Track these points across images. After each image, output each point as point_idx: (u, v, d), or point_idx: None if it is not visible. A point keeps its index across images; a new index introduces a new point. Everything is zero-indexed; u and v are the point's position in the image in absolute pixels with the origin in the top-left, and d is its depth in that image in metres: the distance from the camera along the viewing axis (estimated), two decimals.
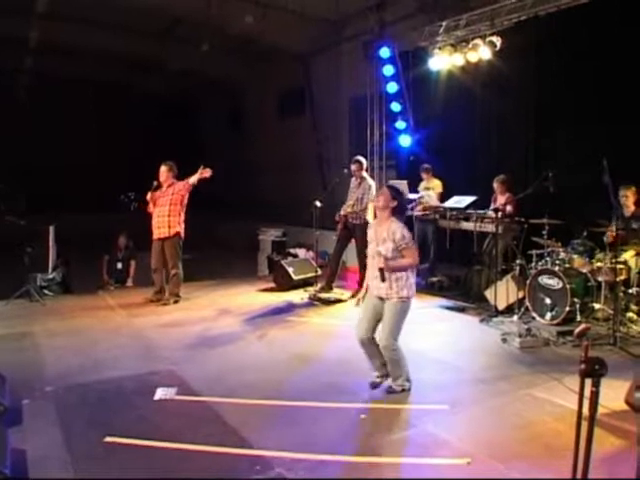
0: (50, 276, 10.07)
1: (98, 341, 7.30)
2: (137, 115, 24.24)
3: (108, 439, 4.47)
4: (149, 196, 9.29)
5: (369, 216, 9.67)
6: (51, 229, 10.13)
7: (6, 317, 8.46)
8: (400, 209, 5.37)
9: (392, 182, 11.29)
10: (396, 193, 5.36)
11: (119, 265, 11.34)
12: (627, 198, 7.64)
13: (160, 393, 5.44)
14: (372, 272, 5.36)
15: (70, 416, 4.97)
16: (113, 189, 21.56)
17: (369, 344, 5.49)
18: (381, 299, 5.34)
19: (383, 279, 5.10)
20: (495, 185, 9.25)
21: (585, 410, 2.52)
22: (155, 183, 9.30)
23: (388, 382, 5.50)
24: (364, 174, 9.75)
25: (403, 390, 5.39)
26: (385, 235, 5.21)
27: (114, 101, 23.59)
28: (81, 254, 11.65)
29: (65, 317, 8.52)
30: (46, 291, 9.89)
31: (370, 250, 5.40)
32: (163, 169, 9.31)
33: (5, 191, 20.64)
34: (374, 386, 5.52)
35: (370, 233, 5.47)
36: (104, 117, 23.60)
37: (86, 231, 12.15)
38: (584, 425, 2.51)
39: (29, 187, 20.99)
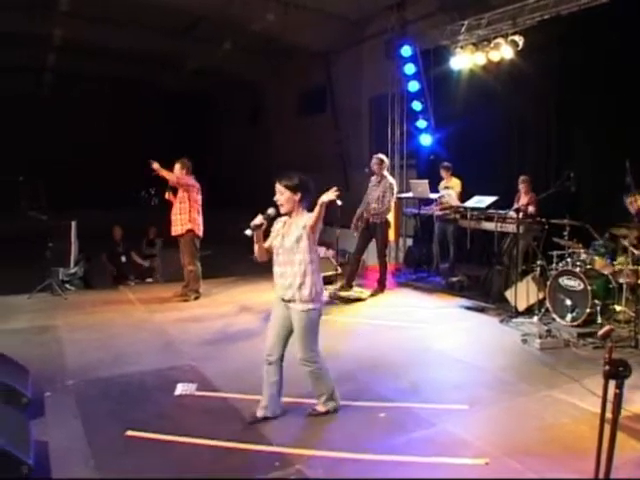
0: (72, 271, 10.18)
1: (119, 336, 7.38)
2: (158, 113, 24.36)
3: (129, 433, 4.52)
4: (167, 195, 9.38)
5: (390, 215, 9.66)
6: (73, 224, 10.23)
7: (29, 310, 8.59)
8: (306, 195, 4.75)
9: (413, 181, 11.33)
10: (293, 183, 4.67)
11: (123, 259, 11.39)
12: (631, 204, 7.51)
13: (180, 388, 5.49)
14: (278, 271, 4.81)
15: (91, 409, 5.03)
16: (133, 185, 21.69)
17: (274, 364, 4.81)
18: (287, 305, 4.75)
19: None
20: (520, 184, 9.20)
21: (607, 412, 2.51)
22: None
23: (317, 402, 4.95)
24: (385, 172, 9.73)
25: (327, 412, 4.88)
26: (293, 227, 4.71)
27: (134, 99, 23.71)
28: (100, 250, 11.74)
29: (86, 311, 8.62)
30: (68, 285, 10.01)
31: (276, 246, 4.78)
32: (177, 166, 9.37)
33: (26, 186, 20.90)
34: (252, 421, 4.76)
35: (277, 227, 4.84)
36: (125, 114, 23.72)
37: (105, 227, 12.22)
38: (606, 427, 2.51)
39: (50, 183, 21.20)
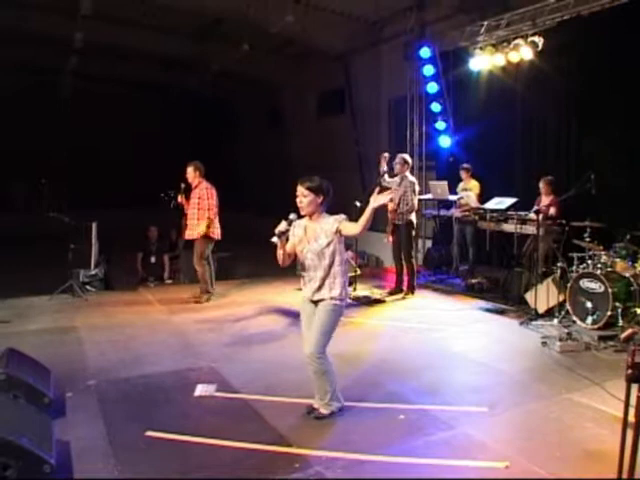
0: (92, 272, 10.22)
1: (139, 337, 7.44)
2: (176, 114, 24.49)
3: (149, 433, 4.56)
4: (180, 199, 9.38)
5: (413, 215, 9.63)
6: (93, 226, 10.31)
7: (50, 311, 8.68)
8: (328, 197, 4.77)
9: (432, 183, 11.30)
10: (316, 185, 4.69)
11: (152, 259, 11.38)
12: None
13: (200, 389, 5.52)
14: (307, 275, 4.85)
15: (111, 410, 5.07)
16: (153, 186, 21.82)
17: None
18: (314, 303, 4.83)
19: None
20: (541, 185, 9.13)
21: (629, 417, 2.49)
22: (183, 185, 9.40)
23: (314, 404, 4.94)
24: (407, 173, 9.69)
25: (332, 413, 4.83)
26: (319, 230, 4.71)
27: (154, 101, 23.87)
28: (121, 251, 11.79)
29: (107, 312, 8.69)
30: (88, 287, 10.05)
31: (303, 251, 4.80)
32: (189, 170, 9.37)
33: (48, 188, 21.14)
34: (309, 411, 4.93)
35: (298, 232, 4.84)
36: (145, 116, 23.86)
37: (125, 228, 12.31)
38: (628, 431, 2.49)
39: (71, 184, 21.40)
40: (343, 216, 4.73)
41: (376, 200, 4.44)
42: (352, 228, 4.64)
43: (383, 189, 4.70)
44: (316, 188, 4.69)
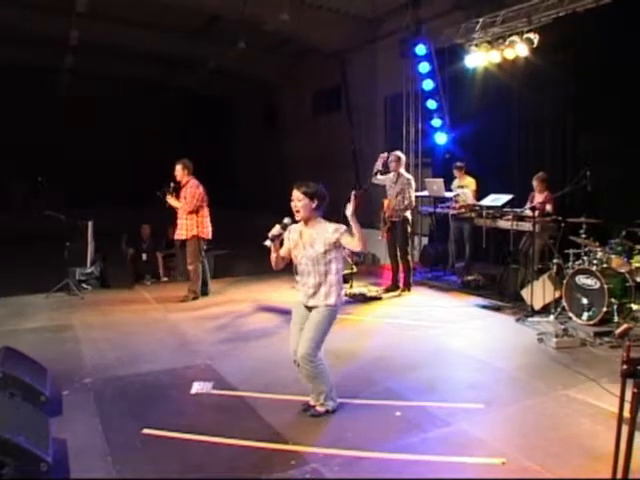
0: (88, 270, 10.20)
1: (135, 335, 7.44)
2: (173, 112, 24.41)
3: (145, 431, 4.56)
4: (169, 198, 9.31)
5: (408, 212, 9.63)
6: (90, 224, 10.30)
7: (46, 310, 8.68)
8: (323, 202, 4.81)
9: (428, 180, 11.30)
10: (311, 190, 4.74)
11: (144, 257, 11.34)
12: None
13: (196, 387, 5.52)
14: (301, 280, 4.89)
15: (108, 408, 5.07)
16: (150, 185, 21.78)
17: None
18: (309, 309, 4.85)
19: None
20: (535, 183, 9.12)
21: (624, 412, 2.49)
22: (172, 184, 9.35)
23: (310, 401, 4.99)
24: (401, 170, 9.70)
25: (327, 412, 4.87)
26: (315, 236, 4.76)
27: (151, 99, 23.78)
28: (116, 249, 11.77)
29: (103, 311, 8.68)
30: (84, 285, 10.04)
31: (297, 256, 4.86)
32: (178, 168, 9.33)
33: (45, 186, 21.09)
34: (305, 409, 4.97)
35: (294, 237, 4.88)
36: (140, 114, 23.78)
37: (124, 226, 12.27)
38: (624, 427, 2.49)
39: (68, 183, 21.36)
40: (344, 227, 4.75)
41: (347, 209, 4.64)
42: (352, 244, 4.70)
43: (362, 194, 4.74)
44: (311, 193, 4.73)
